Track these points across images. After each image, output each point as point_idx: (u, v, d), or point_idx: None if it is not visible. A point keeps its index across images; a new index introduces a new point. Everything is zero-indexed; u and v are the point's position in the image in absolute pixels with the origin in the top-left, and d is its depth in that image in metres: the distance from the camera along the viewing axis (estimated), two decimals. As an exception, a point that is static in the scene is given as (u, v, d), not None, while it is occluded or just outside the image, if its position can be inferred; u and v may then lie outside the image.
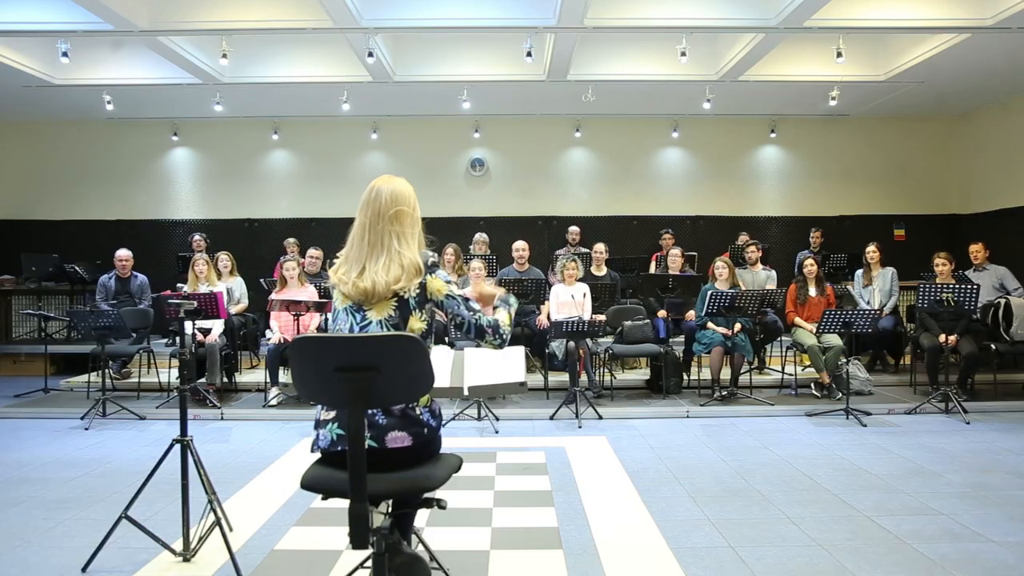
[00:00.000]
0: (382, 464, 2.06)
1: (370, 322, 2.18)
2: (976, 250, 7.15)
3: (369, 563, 2.21)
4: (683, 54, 6.98)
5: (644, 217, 10.26)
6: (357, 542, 1.89)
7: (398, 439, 2.09)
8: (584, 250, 8.30)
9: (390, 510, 2.13)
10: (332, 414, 2.14)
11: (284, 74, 8.21)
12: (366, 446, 2.05)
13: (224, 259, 7.30)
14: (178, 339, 5.78)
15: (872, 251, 7.43)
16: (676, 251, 7.59)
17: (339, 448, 2.09)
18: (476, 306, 2.29)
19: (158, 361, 7.39)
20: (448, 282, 2.27)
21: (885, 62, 8.17)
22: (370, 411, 2.08)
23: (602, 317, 6.79)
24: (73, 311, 7.54)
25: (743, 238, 8.97)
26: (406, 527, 2.33)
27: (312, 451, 2.20)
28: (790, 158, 10.44)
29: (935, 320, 6.41)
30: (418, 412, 2.14)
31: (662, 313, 7.18)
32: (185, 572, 3.04)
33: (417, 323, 2.21)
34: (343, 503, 1.95)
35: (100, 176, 10.19)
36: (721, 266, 6.72)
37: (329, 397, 2.04)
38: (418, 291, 2.20)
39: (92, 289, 7.98)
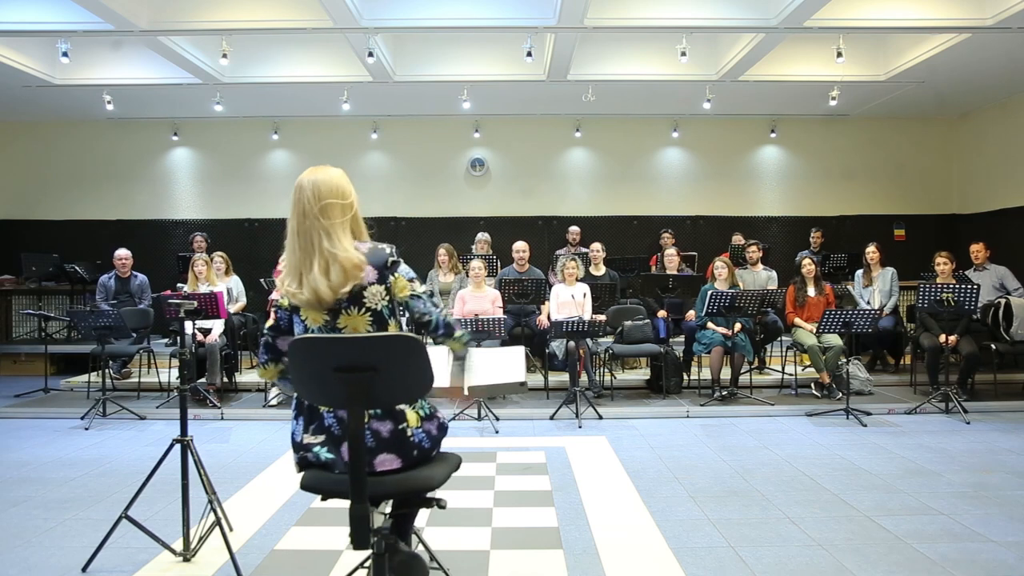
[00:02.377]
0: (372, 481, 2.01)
1: None
2: (977, 250, 7.16)
3: (369, 563, 2.20)
4: (683, 54, 6.98)
5: (644, 217, 10.25)
6: (358, 543, 1.88)
7: (386, 462, 2.03)
8: (584, 250, 8.30)
9: (390, 510, 2.13)
10: (320, 438, 2.06)
11: (284, 74, 8.21)
12: None
13: (218, 259, 7.28)
14: (178, 339, 5.77)
15: (872, 251, 7.42)
16: (672, 250, 7.62)
17: (335, 471, 2.04)
18: (439, 301, 2.18)
19: (158, 361, 7.39)
20: (411, 280, 2.16)
21: (885, 62, 8.17)
22: None
23: (602, 317, 6.80)
24: (73, 311, 7.54)
25: (737, 238, 8.98)
26: (406, 527, 2.32)
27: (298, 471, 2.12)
28: (790, 158, 10.43)
29: (935, 320, 6.41)
30: (409, 434, 2.06)
31: (662, 313, 7.18)
32: (185, 572, 3.04)
33: (394, 328, 2.15)
34: (343, 503, 1.94)
35: (100, 176, 10.18)
36: (721, 266, 6.72)
37: (327, 397, 2.03)
38: (387, 297, 2.10)
39: (92, 289, 7.98)
